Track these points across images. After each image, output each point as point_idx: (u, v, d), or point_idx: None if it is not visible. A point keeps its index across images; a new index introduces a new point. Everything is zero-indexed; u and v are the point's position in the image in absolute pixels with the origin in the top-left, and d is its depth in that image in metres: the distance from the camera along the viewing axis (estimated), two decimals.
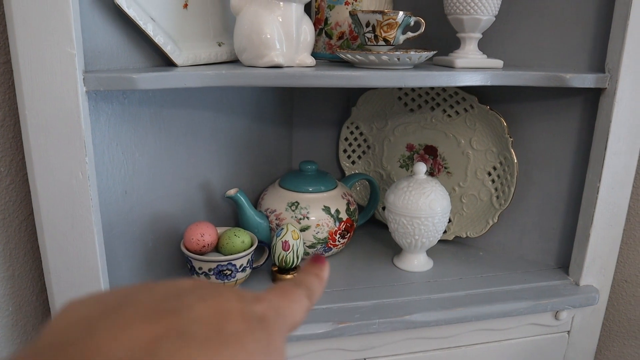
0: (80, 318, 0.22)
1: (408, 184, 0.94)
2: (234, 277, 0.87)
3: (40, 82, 0.68)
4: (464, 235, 1.05)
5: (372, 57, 0.78)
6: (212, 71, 0.76)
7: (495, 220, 1.01)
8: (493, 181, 1.02)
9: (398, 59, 0.78)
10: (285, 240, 0.89)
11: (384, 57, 0.77)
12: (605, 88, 0.86)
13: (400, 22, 0.81)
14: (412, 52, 0.78)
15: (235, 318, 0.24)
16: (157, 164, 0.89)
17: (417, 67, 0.84)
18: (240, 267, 0.87)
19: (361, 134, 1.14)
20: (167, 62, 0.84)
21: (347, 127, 1.14)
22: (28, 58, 0.68)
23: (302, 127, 1.18)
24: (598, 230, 0.91)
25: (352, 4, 0.92)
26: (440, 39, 0.97)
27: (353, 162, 1.17)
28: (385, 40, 0.81)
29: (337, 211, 0.97)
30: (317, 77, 0.76)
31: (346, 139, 1.16)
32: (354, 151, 1.16)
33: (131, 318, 0.22)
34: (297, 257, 0.90)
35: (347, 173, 1.17)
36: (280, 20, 0.79)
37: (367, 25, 0.81)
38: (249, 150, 1.07)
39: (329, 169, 1.18)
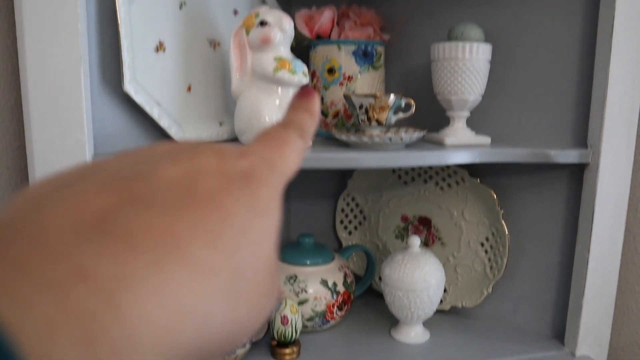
0: (32, 196, 0.19)
1: (403, 257, 0.97)
2: (233, 353, 0.88)
3: (52, 167, 0.72)
4: (460, 306, 1.07)
5: (365, 139, 0.82)
6: None
7: (490, 291, 1.03)
8: (486, 252, 1.04)
9: (390, 139, 0.82)
10: (284, 315, 0.90)
11: (377, 139, 0.82)
12: (589, 163, 0.90)
13: (391, 104, 0.86)
14: (403, 134, 0.82)
15: (210, 177, 0.21)
16: None
17: (408, 146, 0.88)
18: None
19: (357, 205, 1.18)
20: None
21: (344, 199, 1.18)
22: (41, 144, 0.72)
23: (300, 199, 1.21)
24: (590, 300, 0.93)
25: (346, 84, 0.97)
26: (431, 116, 1.01)
27: (350, 233, 1.20)
28: (377, 121, 0.86)
29: (335, 284, 0.99)
30: (314, 159, 0.80)
31: (342, 210, 1.19)
32: (350, 222, 1.19)
33: (85, 189, 0.19)
34: (296, 332, 0.91)
35: (344, 243, 1.19)
36: (279, 103, 0.84)
37: (361, 107, 0.86)
38: None
39: (326, 239, 1.20)
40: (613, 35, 0.85)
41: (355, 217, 1.19)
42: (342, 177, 1.20)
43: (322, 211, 1.22)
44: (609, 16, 0.85)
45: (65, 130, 0.71)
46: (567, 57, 0.93)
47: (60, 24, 0.69)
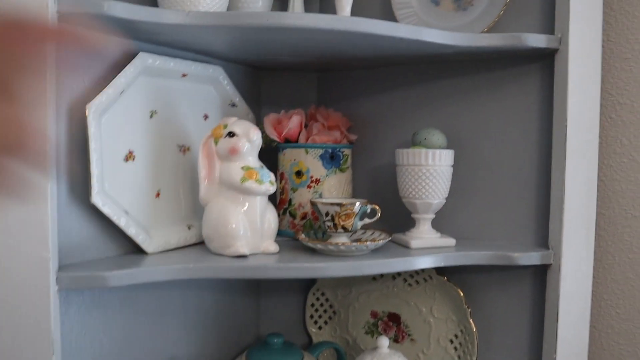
0: None
1: (372, 357, 0.96)
2: None
3: (13, 281, 0.71)
4: None
5: (331, 247, 0.84)
6: (180, 265, 0.80)
7: None
8: (455, 349, 1.04)
9: (355, 248, 0.84)
10: None
11: (342, 248, 0.83)
12: (551, 264, 0.93)
13: (357, 211, 0.88)
14: (368, 243, 0.84)
15: None
16: (124, 347, 0.90)
17: (374, 251, 0.90)
18: None
19: (327, 300, 1.17)
20: (138, 249, 0.88)
21: (313, 294, 1.18)
22: (3, 258, 0.71)
23: (269, 294, 1.21)
24: None
25: (314, 187, 0.99)
26: (397, 215, 1.03)
27: (320, 328, 1.19)
28: (343, 227, 0.88)
29: None
30: (280, 269, 0.81)
31: (312, 305, 1.18)
32: (320, 317, 1.19)
33: None
34: None
35: (314, 338, 1.18)
36: (246, 211, 0.86)
37: (327, 214, 0.88)
38: (217, 323, 1.09)
39: (296, 334, 1.19)
40: (567, 141, 0.90)
41: (325, 311, 1.18)
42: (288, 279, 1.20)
43: (292, 306, 1.21)
44: (562, 123, 0.90)
45: (30, 247, 0.71)
46: (526, 161, 0.97)
47: None
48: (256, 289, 1.20)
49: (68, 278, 0.74)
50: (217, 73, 1.01)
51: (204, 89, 1.01)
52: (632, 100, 0.97)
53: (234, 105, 1.04)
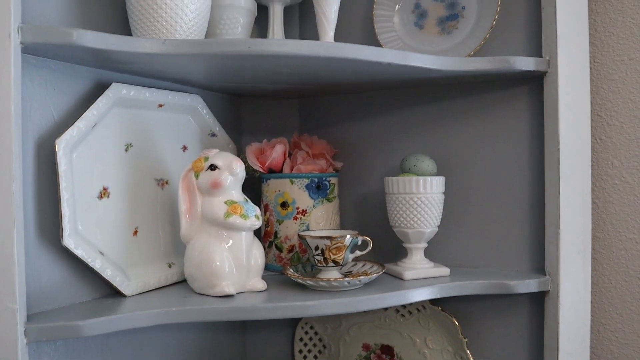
0: None
1: None
2: None
3: None
4: None
5: (323, 283, 0.79)
6: (162, 309, 0.75)
7: None
8: None
9: (348, 283, 0.79)
10: None
11: (335, 283, 0.79)
12: (549, 290, 0.89)
13: (348, 244, 0.84)
14: (361, 277, 0.80)
15: None
16: None
17: (367, 284, 0.85)
18: None
19: (316, 333, 1.12)
20: (116, 290, 0.82)
21: (302, 327, 1.13)
22: None
23: (256, 330, 1.15)
24: None
25: (300, 218, 0.95)
26: (388, 244, 1.00)
27: None
28: (334, 261, 0.83)
29: None
30: (269, 309, 0.76)
31: (301, 339, 1.13)
32: (309, 351, 1.13)
33: None
34: None
35: None
36: (231, 248, 0.81)
37: (316, 248, 0.83)
38: None
39: None
40: (560, 165, 0.87)
41: (314, 345, 1.13)
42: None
43: (280, 341, 1.16)
44: (555, 147, 0.87)
45: None
46: (518, 185, 0.95)
47: None
48: (242, 325, 1.15)
49: (38, 330, 0.68)
50: (195, 102, 0.96)
51: (181, 119, 0.96)
52: (621, 122, 0.95)
53: (213, 135, 1.00)
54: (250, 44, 0.75)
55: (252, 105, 1.13)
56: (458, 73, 0.89)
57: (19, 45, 0.66)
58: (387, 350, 1.06)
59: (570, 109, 0.89)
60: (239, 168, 0.81)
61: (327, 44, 0.77)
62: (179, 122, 0.95)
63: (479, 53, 0.93)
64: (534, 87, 0.93)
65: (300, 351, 1.14)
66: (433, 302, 1.00)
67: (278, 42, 0.76)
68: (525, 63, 0.88)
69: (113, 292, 0.83)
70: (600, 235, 0.97)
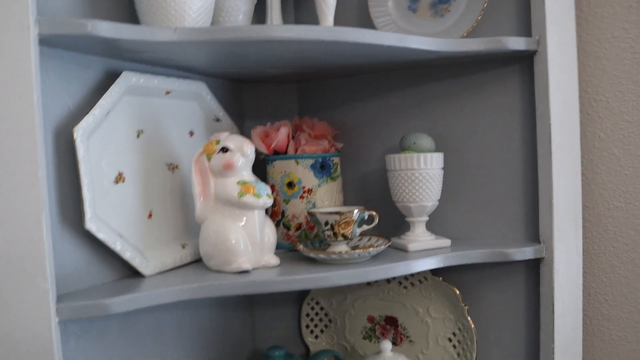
0: None
1: None
2: None
3: (14, 315, 0.68)
4: None
5: (334, 257, 0.84)
6: (184, 286, 0.78)
7: None
8: (454, 346, 1.06)
9: (358, 255, 0.84)
10: None
11: (345, 256, 0.83)
12: (544, 257, 0.95)
13: (355, 219, 0.88)
14: (371, 249, 0.84)
15: None
16: None
17: (374, 257, 0.90)
18: None
19: (322, 308, 1.17)
20: (134, 272, 0.86)
21: (308, 303, 1.17)
22: (3, 291, 0.68)
23: (263, 306, 1.20)
24: None
25: (307, 197, 0.99)
26: (388, 219, 1.04)
27: (316, 337, 1.18)
28: (343, 235, 0.88)
29: None
30: (285, 282, 0.80)
31: (307, 315, 1.18)
32: (316, 326, 1.18)
33: None
34: None
35: (311, 348, 1.17)
36: (245, 226, 0.85)
37: (326, 224, 0.87)
38: (213, 340, 1.07)
39: (292, 345, 1.18)
40: (552, 139, 0.92)
41: (320, 320, 1.18)
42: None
43: (287, 317, 1.21)
44: (546, 122, 0.92)
45: (28, 278, 0.68)
46: (512, 159, 1.00)
47: (20, 165, 0.67)
48: (250, 303, 1.19)
49: (68, 308, 0.71)
50: (200, 89, 0.99)
51: (187, 105, 0.99)
52: (607, 97, 1.01)
53: (218, 120, 1.03)
54: (259, 30, 0.78)
55: (252, 91, 1.16)
56: (453, 54, 0.93)
57: (36, 37, 0.69)
58: (391, 321, 1.11)
59: (559, 86, 0.94)
60: (250, 149, 0.85)
61: (332, 29, 0.81)
62: (185, 108, 0.98)
63: (471, 35, 0.97)
64: (525, 66, 0.97)
65: (307, 326, 1.19)
66: (434, 273, 1.05)
67: (285, 28, 0.80)
68: (517, 43, 0.92)
69: (132, 273, 0.86)
70: (589, 205, 1.03)
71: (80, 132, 0.76)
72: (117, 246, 0.80)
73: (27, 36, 0.67)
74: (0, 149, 0.67)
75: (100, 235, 0.78)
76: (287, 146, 1.02)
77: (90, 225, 0.77)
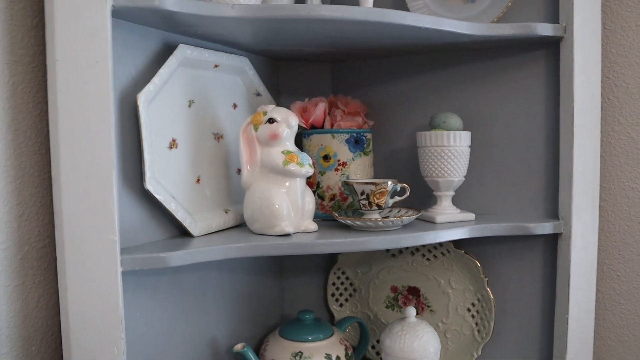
0: None
1: (402, 327, 1.03)
2: None
3: (82, 265, 0.75)
4: None
5: (370, 223, 0.90)
6: (233, 245, 0.85)
7: (480, 353, 1.11)
8: (473, 316, 1.12)
9: (392, 222, 0.90)
10: None
11: (380, 223, 0.90)
12: (562, 233, 1.01)
13: (389, 189, 0.94)
14: (404, 217, 0.90)
15: None
16: (172, 328, 0.94)
17: (404, 227, 0.96)
18: None
19: (347, 278, 1.24)
20: (182, 232, 0.93)
21: (334, 273, 1.24)
22: (73, 244, 0.75)
23: (292, 275, 1.27)
24: (572, 356, 1.02)
25: (341, 170, 1.05)
26: (414, 194, 1.10)
27: (341, 305, 1.25)
28: (377, 205, 0.94)
29: (338, 357, 1.04)
30: (325, 245, 0.87)
31: (334, 284, 1.25)
32: (341, 294, 1.25)
33: None
34: None
35: (335, 315, 1.24)
36: (288, 193, 0.91)
37: (362, 193, 0.94)
38: (248, 304, 1.14)
39: (317, 312, 1.25)
40: (574, 121, 0.98)
41: (345, 289, 1.25)
42: (331, 253, 1.26)
43: (314, 285, 1.27)
44: (569, 104, 0.98)
45: (98, 231, 0.75)
46: (535, 140, 1.06)
47: (93, 126, 0.74)
48: (280, 272, 1.26)
49: (131, 260, 0.78)
50: (243, 64, 1.05)
51: (232, 79, 1.05)
52: (627, 83, 1.07)
53: (258, 94, 1.09)
54: (310, 9, 0.84)
55: (288, 69, 1.22)
56: (484, 38, 0.99)
57: (111, 8, 0.75)
58: (414, 291, 1.18)
59: (583, 71, 0.99)
60: (295, 121, 0.91)
61: (377, 10, 0.87)
62: (229, 82, 1.04)
63: (500, 21, 1.03)
64: (551, 51, 1.03)
65: (333, 294, 1.25)
66: (456, 246, 1.12)
67: (334, 8, 0.85)
68: (545, 29, 0.98)
69: (180, 234, 0.93)
70: (606, 185, 1.09)
71: (142, 98, 0.83)
72: (172, 206, 0.87)
73: (103, 7, 0.73)
74: (77, 110, 0.73)
75: (157, 195, 0.85)
76: (324, 121, 1.08)
77: (149, 185, 0.83)
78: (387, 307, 1.20)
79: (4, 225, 0.77)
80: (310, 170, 0.92)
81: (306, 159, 0.92)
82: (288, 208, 0.90)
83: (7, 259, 0.77)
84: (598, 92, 1.03)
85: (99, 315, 0.76)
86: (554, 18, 1.02)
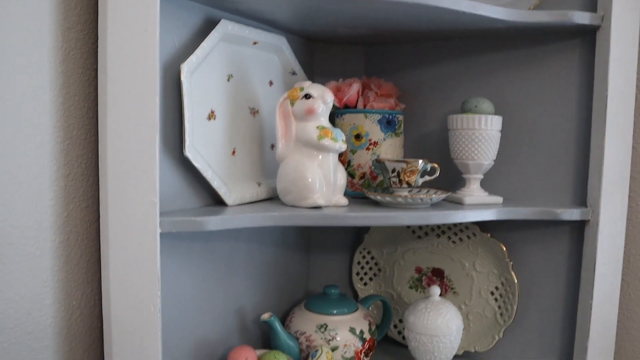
0: None
1: (425, 305, 1.05)
2: None
3: (123, 224, 0.79)
4: (473, 350, 1.15)
5: (400, 199, 0.92)
6: (267, 213, 0.88)
7: (501, 336, 1.12)
8: (496, 300, 1.14)
9: (421, 200, 0.92)
10: None
11: (410, 200, 0.92)
12: (589, 220, 1.02)
13: (420, 168, 0.96)
14: (433, 195, 0.92)
15: None
16: (202, 293, 0.97)
17: (433, 205, 0.98)
18: None
19: (372, 258, 1.26)
20: (216, 201, 0.96)
21: (360, 252, 1.27)
22: (116, 204, 0.79)
23: (319, 252, 1.30)
24: (594, 342, 1.03)
25: (372, 149, 1.08)
26: (443, 176, 1.12)
27: (365, 284, 1.28)
28: (407, 183, 0.96)
29: (362, 332, 1.06)
30: (356, 218, 0.89)
31: (359, 263, 1.27)
32: (365, 274, 1.28)
33: None
34: None
35: (359, 294, 1.27)
36: (320, 167, 0.93)
37: (393, 171, 0.96)
38: (276, 276, 1.17)
39: (342, 290, 1.28)
40: (607, 109, 0.98)
41: (370, 269, 1.27)
42: (358, 232, 1.29)
43: (339, 263, 1.30)
44: (603, 93, 0.99)
45: (139, 192, 0.78)
46: (566, 127, 1.06)
47: (139, 93, 0.77)
48: (307, 247, 1.29)
49: (169, 222, 0.81)
50: (280, 42, 1.08)
51: (269, 57, 1.08)
52: None
53: (294, 73, 1.12)
54: None
55: (323, 50, 1.25)
56: (520, 25, 1.00)
57: None
58: (438, 272, 1.19)
59: (619, 61, 0.99)
60: (330, 98, 0.94)
61: None
62: (267, 59, 1.07)
63: (538, 8, 1.04)
64: (587, 40, 1.04)
65: (357, 273, 1.28)
66: (483, 229, 1.13)
67: None
68: (582, 17, 0.98)
69: (214, 203, 0.96)
70: (637, 177, 1.09)
71: (185, 69, 0.86)
72: (208, 174, 0.90)
73: None
74: (125, 76, 0.77)
75: (196, 163, 0.88)
76: (357, 102, 1.10)
77: (189, 153, 0.87)
78: (410, 287, 1.23)
79: (51, 183, 0.81)
80: (343, 146, 0.94)
81: (340, 134, 0.94)
82: (320, 181, 0.93)
83: (54, 216, 0.82)
84: (633, 82, 1.03)
85: (137, 274, 0.80)
86: (591, 6, 1.02)
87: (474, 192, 1.04)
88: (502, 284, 1.13)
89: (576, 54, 1.06)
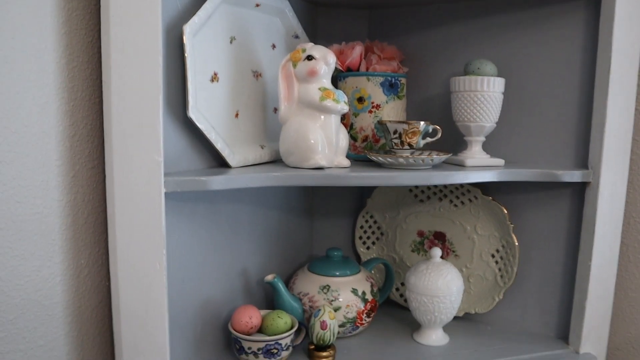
0: None
1: (427, 266, 1.07)
2: (279, 356, 0.96)
3: (129, 184, 0.80)
4: (473, 312, 1.17)
5: (401, 160, 0.93)
6: (270, 174, 0.89)
7: (501, 297, 1.14)
8: (497, 262, 1.15)
9: (423, 161, 0.93)
10: (323, 320, 0.99)
11: (411, 161, 0.92)
12: (590, 182, 1.03)
13: (422, 130, 0.97)
14: (434, 156, 0.93)
15: None
16: (207, 254, 0.99)
17: (434, 166, 0.99)
18: (285, 346, 0.96)
19: (375, 222, 1.28)
20: (219, 164, 0.97)
21: (363, 217, 1.28)
22: (121, 164, 0.80)
23: (322, 216, 1.31)
24: (592, 303, 1.05)
25: (375, 112, 1.08)
26: (446, 139, 1.12)
27: (368, 248, 1.29)
28: (409, 145, 0.97)
29: (364, 293, 1.08)
30: (358, 178, 0.90)
31: (362, 227, 1.29)
32: (368, 237, 1.29)
33: None
34: (333, 335, 1.00)
35: (362, 257, 1.29)
36: (323, 128, 0.94)
37: (395, 132, 0.97)
38: (279, 239, 1.19)
39: (345, 253, 1.29)
40: (610, 71, 0.98)
41: (373, 233, 1.29)
42: (360, 196, 1.30)
43: (342, 228, 1.32)
44: (607, 54, 0.98)
45: (144, 152, 0.79)
46: (568, 90, 1.06)
47: (142, 53, 0.77)
48: (309, 211, 1.30)
49: (174, 182, 0.82)
50: (283, 5, 1.08)
51: (271, 20, 1.08)
52: None
53: (297, 37, 1.12)
54: None
55: (326, 14, 1.24)
56: None
57: None
58: (440, 236, 1.21)
59: (623, 21, 0.99)
60: (332, 59, 0.94)
61: None
62: (269, 22, 1.07)
63: None
64: (590, 2, 1.03)
65: (360, 237, 1.30)
66: (484, 193, 1.14)
67: None
68: None
69: (218, 165, 0.97)
70: (638, 139, 1.09)
71: (188, 30, 0.86)
72: (212, 136, 0.91)
73: None
74: (128, 37, 0.77)
75: (199, 124, 0.89)
76: (360, 65, 1.10)
77: (192, 114, 0.87)
78: (412, 250, 1.24)
79: (57, 144, 0.82)
80: (345, 107, 0.94)
81: (342, 96, 0.95)
82: (322, 143, 0.93)
83: (61, 175, 0.83)
84: (638, 43, 1.02)
85: (143, 233, 0.82)
86: None
87: (475, 154, 1.05)
88: (503, 246, 1.14)
89: (580, 15, 1.05)
